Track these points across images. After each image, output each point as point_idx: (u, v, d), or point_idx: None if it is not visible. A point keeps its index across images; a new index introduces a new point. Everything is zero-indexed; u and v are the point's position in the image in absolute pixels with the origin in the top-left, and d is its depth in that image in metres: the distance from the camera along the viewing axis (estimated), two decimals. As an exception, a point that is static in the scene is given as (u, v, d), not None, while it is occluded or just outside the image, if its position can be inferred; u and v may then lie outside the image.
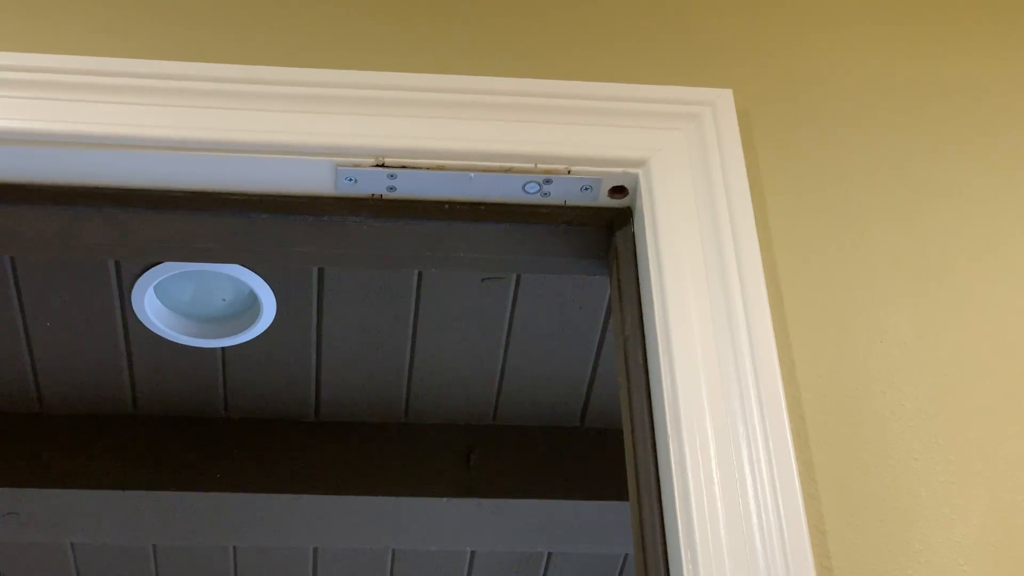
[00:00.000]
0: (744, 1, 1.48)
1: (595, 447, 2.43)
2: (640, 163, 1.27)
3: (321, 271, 2.14)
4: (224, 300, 2.23)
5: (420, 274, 2.15)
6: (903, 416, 1.14)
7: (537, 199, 1.29)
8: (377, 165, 1.26)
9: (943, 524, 1.08)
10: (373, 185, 1.28)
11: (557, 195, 1.29)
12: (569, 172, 1.27)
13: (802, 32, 1.45)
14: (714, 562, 1.02)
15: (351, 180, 1.27)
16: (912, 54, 1.44)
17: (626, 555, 2.67)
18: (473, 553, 2.67)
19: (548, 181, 1.27)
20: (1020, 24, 1.49)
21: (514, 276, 2.16)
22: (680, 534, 1.04)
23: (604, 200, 1.30)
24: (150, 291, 2.16)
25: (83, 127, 1.25)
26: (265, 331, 2.24)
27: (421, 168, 1.26)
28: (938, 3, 1.50)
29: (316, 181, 1.28)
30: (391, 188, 1.28)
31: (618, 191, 1.29)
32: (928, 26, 1.48)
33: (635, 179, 1.28)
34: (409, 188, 1.28)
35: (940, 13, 1.49)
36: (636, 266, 1.27)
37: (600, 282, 2.16)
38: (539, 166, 1.27)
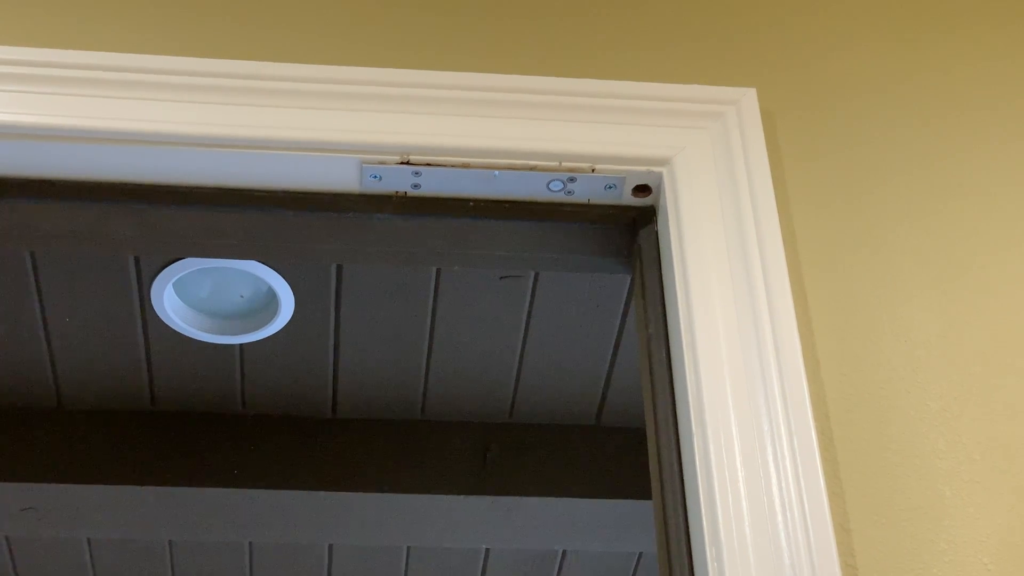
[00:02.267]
0: (768, 2, 1.48)
1: (611, 446, 2.43)
2: (664, 162, 1.28)
3: (340, 268, 2.15)
4: (242, 297, 2.24)
5: (438, 272, 2.15)
6: (928, 415, 1.15)
7: (561, 197, 1.30)
8: (402, 162, 1.26)
9: (968, 523, 1.08)
10: (398, 182, 1.28)
11: (581, 193, 1.29)
12: (593, 170, 1.27)
13: (825, 33, 1.46)
14: (739, 560, 1.02)
15: (376, 177, 1.27)
16: (936, 58, 1.44)
17: (640, 553, 2.67)
18: (488, 551, 2.67)
19: (572, 179, 1.28)
20: (1043, 25, 1.49)
21: (532, 274, 2.16)
22: (705, 532, 1.05)
23: (628, 199, 1.30)
24: (169, 287, 2.17)
25: (109, 123, 1.26)
26: (283, 328, 2.25)
27: (446, 166, 1.27)
28: (961, 9, 1.50)
29: (341, 178, 1.28)
30: (416, 185, 1.28)
31: (642, 190, 1.30)
32: (952, 31, 1.48)
33: (659, 178, 1.28)
34: (434, 185, 1.29)
35: (963, 19, 1.49)
36: (660, 265, 1.27)
37: (617, 281, 2.16)
38: (563, 164, 1.27)
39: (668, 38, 1.43)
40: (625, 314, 2.24)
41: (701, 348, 1.14)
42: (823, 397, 1.14)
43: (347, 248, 1.39)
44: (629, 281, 1.96)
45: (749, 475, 1.06)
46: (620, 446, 2.42)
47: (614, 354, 2.32)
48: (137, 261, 2.13)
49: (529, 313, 2.24)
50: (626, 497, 2.39)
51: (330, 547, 2.67)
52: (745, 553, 1.02)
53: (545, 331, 2.27)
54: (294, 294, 2.19)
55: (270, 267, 2.15)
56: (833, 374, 1.16)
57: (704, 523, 1.05)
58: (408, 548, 2.67)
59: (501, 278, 2.16)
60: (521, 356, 2.32)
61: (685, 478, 1.12)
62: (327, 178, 1.29)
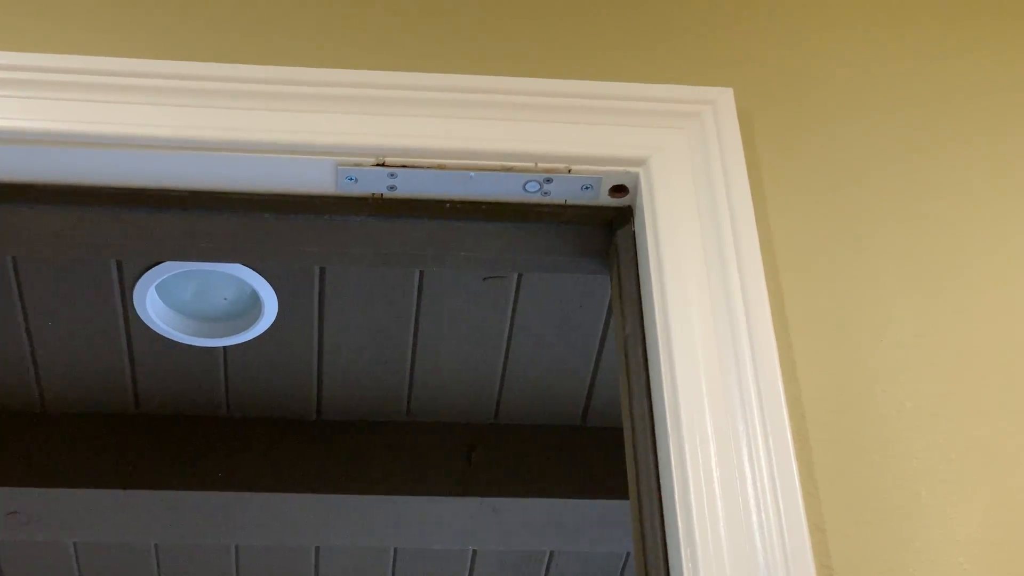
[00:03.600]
0: (745, 2, 1.48)
1: (597, 446, 2.43)
2: (640, 162, 1.28)
3: (323, 270, 2.15)
4: (226, 299, 2.24)
5: (421, 273, 2.15)
6: (904, 415, 1.14)
7: (538, 198, 1.30)
8: (378, 164, 1.26)
9: (944, 523, 1.08)
10: (374, 184, 1.28)
11: (557, 194, 1.29)
12: (569, 171, 1.27)
13: (802, 31, 1.45)
14: (714, 561, 1.02)
15: (352, 179, 1.27)
16: (915, 53, 1.44)
17: (628, 554, 2.67)
18: (475, 552, 2.67)
19: (548, 180, 1.27)
20: (1022, 22, 1.49)
21: (515, 275, 2.16)
22: (680, 533, 1.04)
23: (604, 199, 1.30)
24: (152, 290, 2.16)
25: (87, 127, 1.25)
26: (267, 330, 2.25)
27: (421, 167, 1.26)
28: (940, 7, 1.50)
29: (317, 180, 1.28)
30: (392, 187, 1.28)
31: (618, 190, 1.29)
32: (930, 26, 1.48)
33: (635, 178, 1.28)
34: (410, 187, 1.28)
35: (942, 13, 1.49)
36: (636, 265, 1.27)
37: (601, 281, 2.16)
38: (539, 165, 1.27)
39: (644, 38, 1.43)
40: (609, 314, 2.24)
41: (677, 349, 1.14)
42: (799, 397, 1.14)
43: (325, 250, 1.38)
44: (611, 281, 1.95)
45: (724, 476, 1.06)
46: (606, 446, 2.41)
47: (599, 354, 2.32)
48: (119, 264, 2.13)
49: (513, 313, 2.24)
50: (612, 497, 2.38)
51: (317, 549, 2.67)
52: (720, 554, 1.02)
53: (529, 331, 2.27)
54: (277, 296, 2.18)
55: (253, 269, 2.15)
56: (809, 374, 1.16)
57: (679, 524, 1.05)
58: (395, 550, 2.67)
59: (484, 279, 2.16)
60: (506, 357, 2.32)
61: (661, 479, 1.12)
62: (303, 180, 1.29)
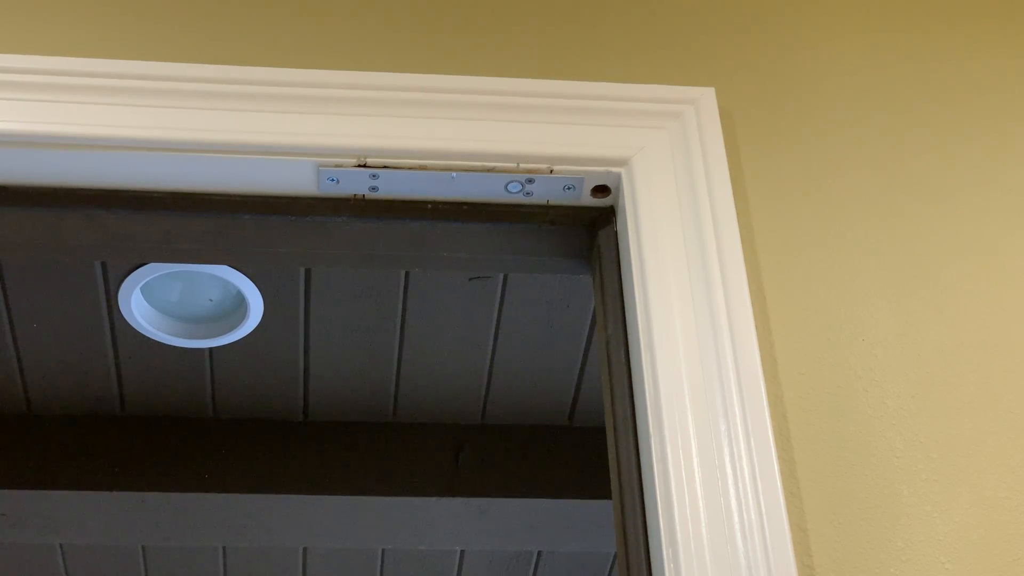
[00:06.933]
0: (727, 2, 1.48)
1: (583, 446, 2.42)
2: (622, 162, 1.27)
3: (308, 271, 2.14)
4: (211, 300, 2.23)
5: (407, 273, 2.15)
6: (885, 414, 1.14)
7: (520, 199, 1.29)
8: (359, 165, 1.26)
9: (925, 522, 1.08)
10: (355, 185, 1.28)
11: (540, 195, 1.29)
12: (551, 171, 1.27)
13: (785, 31, 1.45)
14: (696, 561, 1.02)
15: (333, 180, 1.27)
16: (897, 56, 1.44)
17: (616, 553, 2.67)
18: (463, 552, 2.67)
19: (530, 180, 1.27)
20: (1004, 26, 1.49)
21: (501, 275, 2.16)
22: (662, 533, 1.04)
23: (587, 199, 1.30)
24: (137, 292, 2.16)
25: (65, 128, 1.25)
26: (253, 331, 2.24)
27: (403, 168, 1.26)
28: (920, 6, 1.50)
29: (298, 181, 1.28)
30: (373, 188, 1.28)
31: (601, 190, 1.29)
32: (913, 29, 1.48)
33: (617, 178, 1.28)
34: (391, 188, 1.28)
35: (923, 16, 1.49)
36: (619, 265, 1.27)
37: (587, 281, 2.16)
38: (521, 166, 1.27)
39: (626, 38, 1.42)
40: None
41: (659, 349, 1.14)
42: (780, 397, 1.14)
43: (307, 251, 1.38)
44: (596, 281, 1.95)
45: (706, 476, 1.06)
46: (593, 446, 2.41)
47: (585, 354, 2.32)
48: (104, 266, 2.12)
49: (499, 314, 2.23)
50: (600, 497, 2.38)
51: (304, 550, 2.67)
52: (702, 554, 1.02)
53: (516, 332, 2.27)
54: (263, 297, 2.18)
55: (239, 270, 2.14)
56: (791, 374, 1.16)
57: (661, 524, 1.05)
58: (383, 551, 2.67)
59: (470, 279, 2.15)
60: (492, 357, 2.32)
61: (643, 479, 1.12)
62: (284, 181, 1.28)
